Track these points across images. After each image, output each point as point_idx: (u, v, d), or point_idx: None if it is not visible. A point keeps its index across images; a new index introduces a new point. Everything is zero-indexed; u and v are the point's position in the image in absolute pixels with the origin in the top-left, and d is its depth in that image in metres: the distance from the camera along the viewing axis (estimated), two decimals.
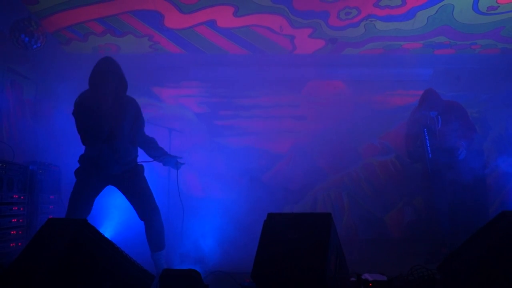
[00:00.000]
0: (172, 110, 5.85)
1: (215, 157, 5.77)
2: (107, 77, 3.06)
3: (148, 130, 3.52)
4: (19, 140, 4.65)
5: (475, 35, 5.24)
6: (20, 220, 4.06)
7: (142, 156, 3.44)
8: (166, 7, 4.61)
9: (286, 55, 5.75)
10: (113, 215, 4.55)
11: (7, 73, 4.70)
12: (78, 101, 3.13)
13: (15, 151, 4.24)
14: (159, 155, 3.39)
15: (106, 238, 2.40)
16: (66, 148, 5.19)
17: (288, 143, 5.83)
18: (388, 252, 4.61)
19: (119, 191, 3.26)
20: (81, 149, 3.27)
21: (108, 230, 4.47)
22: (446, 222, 4.21)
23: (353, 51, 5.67)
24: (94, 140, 3.03)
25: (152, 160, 3.43)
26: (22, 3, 4.48)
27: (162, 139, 5.01)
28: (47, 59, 5.21)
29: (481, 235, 2.40)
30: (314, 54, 5.72)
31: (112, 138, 3.05)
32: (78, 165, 3.25)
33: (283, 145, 5.82)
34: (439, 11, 4.68)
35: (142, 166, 3.33)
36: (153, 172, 5.28)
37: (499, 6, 4.58)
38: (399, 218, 5.68)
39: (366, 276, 2.52)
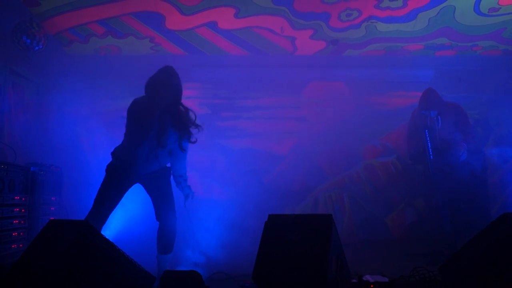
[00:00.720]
0: None
1: (216, 158, 5.77)
2: (162, 90, 3.19)
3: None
4: (20, 141, 4.66)
5: (477, 37, 5.23)
6: (22, 222, 4.06)
7: None
8: (167, 9, 4.62)
9: (287, 57, 5.75)
10: (115, 215, 4.55)
11: (9, 74, 4.72)
12: (135, 101, 3.27)
13: (16, 153, 4.25)
14: (181, 181, 3.46)
15: (107, 240, 2.40)
16: (68, 150, 5.21)
17: (289, 144, 5.83)
18: (389, 253, 4.60)
19: (130, 191, 3.31)
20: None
21: (109, 230, 4.48)
22: (448, 224, 4.20)
23: (354, 53, 5.67)
24: (137, 140, 3.10)
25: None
26: (24, 5, 4.49)
27: None
28: (48, 60, 5.23)
29: (482, 237, 2.39)
30: (315, 56, 5.72)
31: (158, 143, 3.13)
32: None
33: (284, 146, 5.81)
34: (440, 12, 4.68)
35: (169, 169, 3.41)
36: None
37: (500, 8, 4.58)
38: (401, 219, 5.67)
39: (367, 277, 2.51)
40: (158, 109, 3.13)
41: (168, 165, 3.41)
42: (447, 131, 4.26)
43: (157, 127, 3.12)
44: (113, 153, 3.25)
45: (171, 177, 3.43)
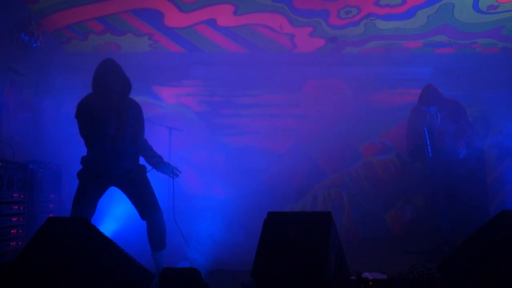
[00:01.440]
0: (172, 109, 5.85)
1: (215, 156, 5.77)
2: (110, 79, 3.06)
3: (149, 129, 3.50)
4: (19, 139, 4.65)
5: (475, 34, 5.23)
6: (20, 219, 4.06)
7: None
8: (166, 6, 4.60)
9: (286, 54, 5.74)
10: (113, 213, 4.55)
11: (7, 72, 4.70)
12: (80, 104, 3.13)
13: (15, 150, 4.24)
14: (156, 162, 3.36)
15: (106, 237, 2.40)
16: (67, 147, 5.19)
17: (288, 142, 5.83)
18: (388, 250, 4.60)
19: (121, 191, 3.25)
20: (82, 148, 3.27)
21: (108, 228, 4.47)
22: (446, 221, 4.20)
23: (353, 50, 5.67)
24: (98, 143, 3.04)
25: (151, 168, 3.40)
26: (22, 2, 4.47)
27: (162, 138, 5.04)
28: (47, 58, 5.21)
29: (481, 234, 2.40)
30: (314, 53, 5.72)
31: (115, 139, 3.04)
32: (78, 164, 3.25)
33: (283, 144, 5.81)
34: (439, 10, 4.67)
35: (144, 167, 3.30)
36: (155, 174, 5.30)
37: (499, 5, 4.57)
38: (399, 217, 5.68)
39: (366, 274, 2.52)
40: (110, 105, 3.04)
41: (141, 162, 3.32)
42: (446, 128, 4.26)
43: (114, 122, 3.03)
44: (81, 161, 3.19)
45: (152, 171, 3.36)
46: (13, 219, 3.93)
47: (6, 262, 3.32)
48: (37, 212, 4.30)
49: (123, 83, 3.13)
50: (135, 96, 3.39)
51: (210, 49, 5.63)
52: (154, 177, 3.42)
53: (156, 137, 3.64)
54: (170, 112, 5.82)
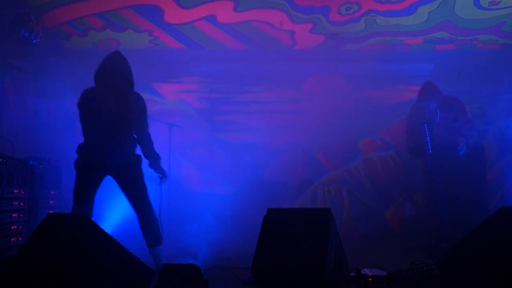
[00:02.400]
0: (172, 106, 5.85)
1: (215, 152, 5.78)
2: (113, 75, 3.10)
3: (148, 126, 3.51)
4: (19, 135, 4.65)
5: (476, 31, 5.22)
6: (21, 215, 4.07)
7: None
8: (166, 2, 4.59)
9: (287, 51, 5.73)
10: (113, 208, 4.56)
11: (7, 68, 4.70)
12: (83, 93, 3.17)
13: (15, 146, 4.24)
14: (152, 157, 3.35)
15: (106, 233, 2.40)
16: (67, 143, 5.19)
17: (288, 139, 5.83)
18: (387, 247, 4.61)
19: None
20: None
21: (108, 223, 4.48)
22: (446, 218, 4.21)
23: (353, 47, 5.66)
24: (96, 132, 3.07)
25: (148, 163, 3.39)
26: None
27: (162, 134, 5.04)
28: (47, 54, 5.21)
29: (480, 230, 2.40)
30: (315, 50, 5.70)
31: (115, 131, 3.07)
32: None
33: (283, 140, 5.81)
34: (440, 6, 4.66)
35: (140, 157, 3.27)
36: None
37: (500, 1, 4.56)
38: (399, 213, 5.69)
39: (366, 271, 2.52)
40: (112, 96, 3.07)
41: (139, 153, 3.31)
42: (446, 125, 4.26)
43: (114, 115, 3.05)
44: (77, 151, 3.19)
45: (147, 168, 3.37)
46: (13, 215, 3.94)
47: (7, 258, 3.33)
48: (37, 208, 4.31)
49: (124, 79, 3.17)
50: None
51: (210, 46, 5.62)
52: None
53: (156, 134, 3.63)
54: (170, 108, 5.82)
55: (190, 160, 5.73)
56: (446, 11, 4.76)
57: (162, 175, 3.38)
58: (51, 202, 4.59)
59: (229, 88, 5.89)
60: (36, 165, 4.35)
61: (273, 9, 4.73)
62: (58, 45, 5.43)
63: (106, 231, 2.41)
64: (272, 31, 5.21)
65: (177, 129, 5.17)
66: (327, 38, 5.42)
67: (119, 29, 5.17)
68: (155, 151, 3.38)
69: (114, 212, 4.55)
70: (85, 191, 3.11)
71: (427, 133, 4.24)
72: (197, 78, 5.94)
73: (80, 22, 4.99)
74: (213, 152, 5.77)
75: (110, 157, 3.09)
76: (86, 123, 3.13)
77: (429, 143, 4.23)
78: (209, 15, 4.87)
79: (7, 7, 4.35)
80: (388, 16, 4.87)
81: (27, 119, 4.94)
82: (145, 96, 3.29)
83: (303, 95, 5.89)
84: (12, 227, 3.92)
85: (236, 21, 4.99)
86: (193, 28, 5.15)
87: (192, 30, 5.21)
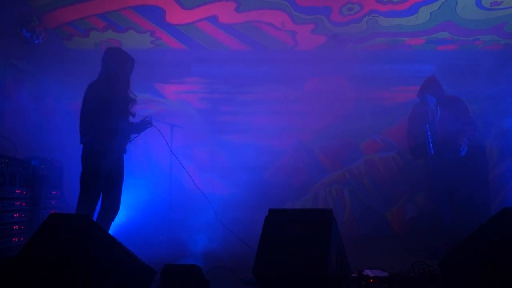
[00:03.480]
0: (173, 106, 5.86)
1: (217, 153, 5.78)
2: (127, 64, 3.36)
3: (152, 126, 3.55)
4: (21, 135, 4.66)
5: (478, 31, 5.21)
6: (22, 215, 4.08)
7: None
8: (168, 3, 4.60)
9: (288, 51, 5.73)
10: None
11: (9, 68, 4.71)
12: (95, 84, 3.32)
13: (17, 147, 4.25)
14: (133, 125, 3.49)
15: (107, 233, 2.40)
16: (69, 144, 5.19)
17: (289, 139, 5.83)
18: (389, 248, 4.60)
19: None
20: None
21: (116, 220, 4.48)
22: (448, 218, 4.20)
23: (355, 47, 5.65)
24: (114, 124, 3.24)
25: (134, 137, 3.54)
26: None
27: (163, 135, 5.04)
28: (49, 54, 5.21)
29: (482, 231, 2.39)
30: (316, 50, 5.70)
31: (117, 128, 3.26)
32: (80, 161, 3.27)
33: (284, 141, 5.81)
34: (442, 6, 4.65)
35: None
36: (157, 171, 5.30)
37: (502, 1, 4.55)
38: (401, 214, 5.68)
39: (367, 272, 2.52)
40: (119, 89, 3.29)
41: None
42: (448, 125, 4.25)
43: (120, 109, 3.27)
44: (85, 142, 3.26)
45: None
46: (15, 215, 3.95)
47: (8, 257, 3.34)
48: (39, 208, 4.32)
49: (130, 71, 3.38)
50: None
51: (211, 46, 5.62)
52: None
53: (158, 134, 3.64)
54: (171, 109, 5.82)
55: (192, 161, 5.73)
56: (447, 11, 4.75)
57: (147, 124, 3.49)
58: (53, 202, 4.60)
59: (230, 89, 5.89)
60: (38, 165, 4.36)
61: (274, 9, 4.73)
62: (60, 45, 5.44)
63: (108, 232, 2.41)
64: (274, 31, 5.22)
65: (179, 130, 5.17)
66: (328, 39, 5.42)
67: (121, 30, 5.18)
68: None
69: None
70: (98, 184, 3.27)
71: (428, 133, 4.23)
72: (199, 78, 5.94)
73: (82, 22, 5.00)
74: (214, 153, 5.77)
75: (118, 151, 3.40)
76: (90, 115, 3.28)
77: (430, 144, 4.22)
78: (211, 16, 4.88)
79: (9, 7, 4.36)
80: (390, 16, 4.86)
81: (28, 119, 4.95)
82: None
83: (304, 95, 5.88)
84: (14, 227, 3.93)
85: (238, 21, 5.00)
86: (195, 28, 5.15)
87: (194, 31, 5.21)
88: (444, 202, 4.24)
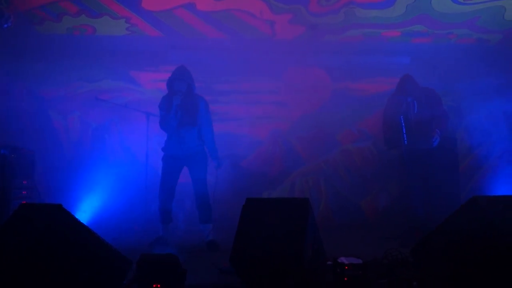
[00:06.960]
0: (150, 95, 5.75)
1: None
2: (178, 82, 4.04)
3: (126, 115, 3.48)
4: None
5: (452, 24, 5.32)
6: None
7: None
8: None
9: (266, 41, 5.70)
10: (89, 199, 4.49)
11: None
12: (162, 98, 4.09)
13: None
14: (211, 151, 4.15)
15: (81, 224, 2.36)
16: (41, 132, 5.05)
17: (267, 129, 5.84)
18: (363, 236, 4.70)
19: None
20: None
21: (84, 213, 4.41)
22: (420, 207, 4.31)
23: (332, 38, 5.68)
24: (167, 127, 3.96)
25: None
26: None
27: (139, 123, 4.96)
28: (18, 39, 5.02)
29: (452, 219, 2.47)
30: (294, 40, 5.69)
31: (181, 127, 3.89)
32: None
33: (262, 130, 5.82)
34: None
35: (205, 153, 4.09)
36: (132, 160, 5.23)
37: None
38: (375, 203, 5.79)
39: (342, 259, 2.56)
40: (175, 100, 3.97)
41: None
42: (422, 116, 4.34)
43: (179, 112, 3.98)
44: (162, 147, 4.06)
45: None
46: None
47: None
48: (9, 199, 4.20)
49: (187, 85, 4.07)
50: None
51: (188, 34, 5.54)
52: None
53: (133, 123, 3.58)
54: (147, 97, 5.71)
55: None
56: (423, 4, 4.82)
57: (217, 163, 4.18)
58: (24, 192, 4.47)
59: (208, 78, 5.82)
60: (8, 154, 4.23)
61: None
62: (30, 30, 5.24)
63: (81, 220, 2.37)
64: (252, 20, 5.18)
65: (155, 118, 5.09)
66: (306, 29, 5.42)
67: (94, 15, 5.02)
68: (214, 148, 4.16)
69: (89, 201, 4.49)
70: (168, 180, 3.99)
71: (403, 124, 4.31)
72: (175, 66, 5.83)
73: (54, 6, 4.82)
74: None
75: (177, 151, 3.97)
76: (160, 120, 4.04)
77: (405, 135, 4.30)
78: (188, 3, 4.79)
79: None
80: (367, 8, 4.90)
81: None
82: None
83: (282, 85, 5.89)
84: None
85: (215, 9, 4.93)
86: (172, 15, 5.05)
87: (171, 18, 5.11)
88: (417, 192, 4.35)
